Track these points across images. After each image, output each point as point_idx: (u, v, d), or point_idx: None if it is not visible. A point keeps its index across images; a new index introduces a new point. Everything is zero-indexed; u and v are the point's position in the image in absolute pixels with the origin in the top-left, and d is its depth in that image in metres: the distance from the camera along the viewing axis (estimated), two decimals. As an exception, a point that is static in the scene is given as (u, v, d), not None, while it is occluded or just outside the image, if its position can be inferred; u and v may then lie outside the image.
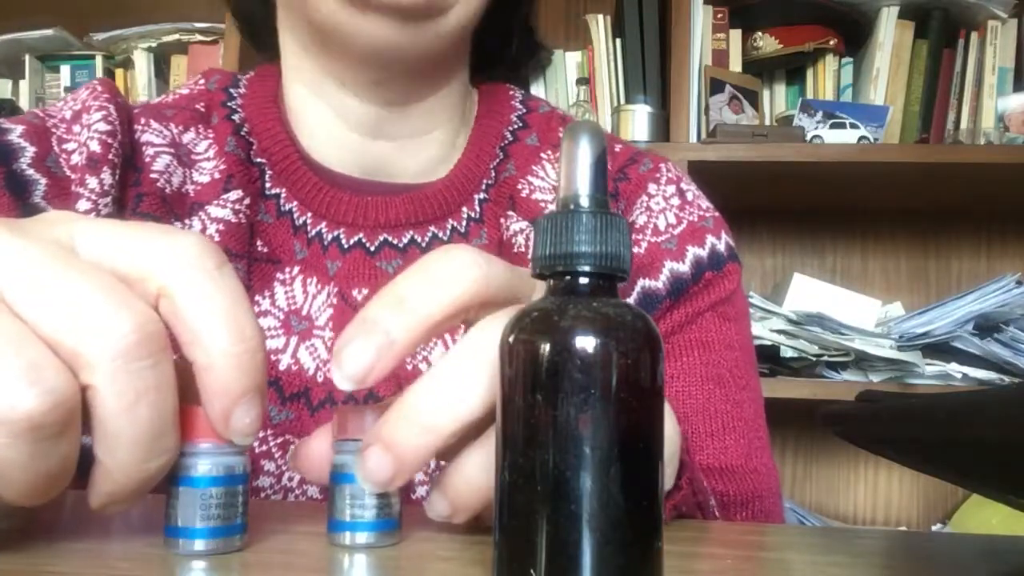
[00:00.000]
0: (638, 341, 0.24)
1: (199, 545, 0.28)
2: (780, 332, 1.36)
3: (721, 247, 0.59)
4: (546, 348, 0.23)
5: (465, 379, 0.29)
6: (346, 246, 0.55)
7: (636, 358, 0.24)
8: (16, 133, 0.52)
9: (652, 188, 0.60)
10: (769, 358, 1.37)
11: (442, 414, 0.28)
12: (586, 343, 0.23)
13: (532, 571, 0.23)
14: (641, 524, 0.23)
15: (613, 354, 0.23)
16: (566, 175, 0.25)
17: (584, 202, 0.25)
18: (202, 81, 0.61)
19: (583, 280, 0.25)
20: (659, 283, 0.56)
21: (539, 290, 0.31)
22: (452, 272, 0.30)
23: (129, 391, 0.25)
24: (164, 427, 0.26)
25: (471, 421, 0.29)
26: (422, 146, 0.59)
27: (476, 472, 0.29)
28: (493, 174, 0.59)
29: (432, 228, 0.57)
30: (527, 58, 0.69)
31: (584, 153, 0.25)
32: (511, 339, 0.24)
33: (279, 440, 0.52)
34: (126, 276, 0.27)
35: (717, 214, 0.61)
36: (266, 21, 0.61)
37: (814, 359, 1.36)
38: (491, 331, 0.29)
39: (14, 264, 0.26)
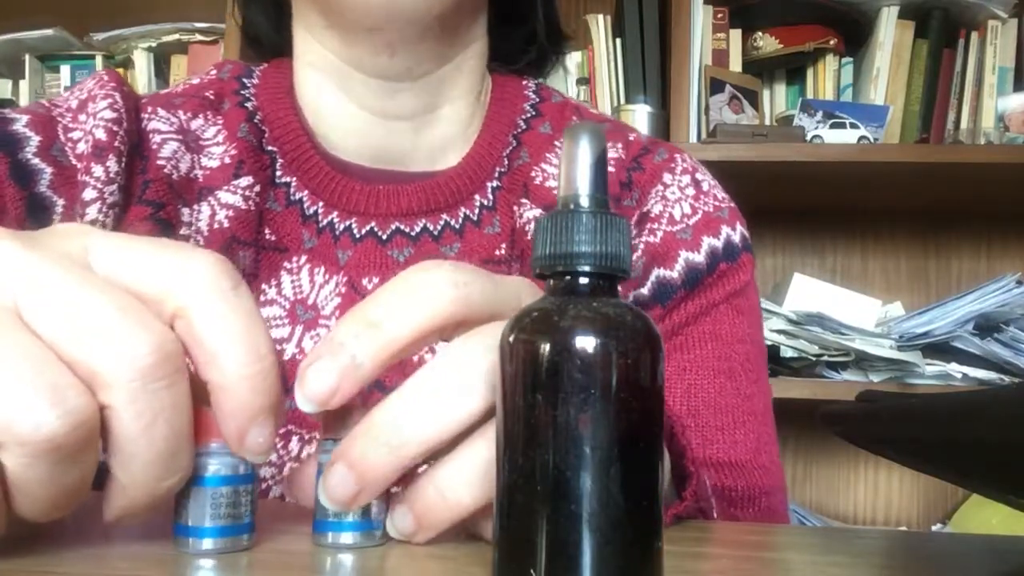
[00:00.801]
0: (638, 341, 0.24)
1: (208, 544, 0.28)
2: (780, 332, 1.36)
3: (736, 238, 0.59)
4: (546, 348, 0.23)
5: (437, 398, 0.28)
6: (358, 235, 0.55)
7: (636, 358, 0.24)
8: (21, 123, 0.52)
9: (667, 178, 0.59)
10: (769, 358, 1.36)
11: (410, 434, 0.28)
12: (586, 343, 0.23)
13: (532, 571, 0.23)
14: (641, 524, 0.23)
15: (613, 354, 0.23)
16: (566, 175, 0.25)
17: (584, 202, 0.25)
18: (213, 71, 0.61)
19: (583, 280, 0.25)
20: (674, 273, 0.56)
21: (527, 297, 0.31)
22: (426, 292, 0.29)
23: (147, 412, 0.25)
24: (180, 445, 0.27)
25: (441, 441, 0.28)
26: (434, 124, 0.58)
27: (450, 485, 0.29)
28: (506, 162, 0.59)
29: (444, 216, 0.57)
30: (552, 51, 0.68)
31: (584, 153, 0.25)
32: (511, 339, 0.24)
33: (282, 430, 0.52)
34: (142, 294, 0.27)
35: (732, 205, 0.61)
36: (271, 29, 0.62)
37: (814, 359, 1.36)
38: (467, 349, 0.29)
39: (31, 280, 0.25)
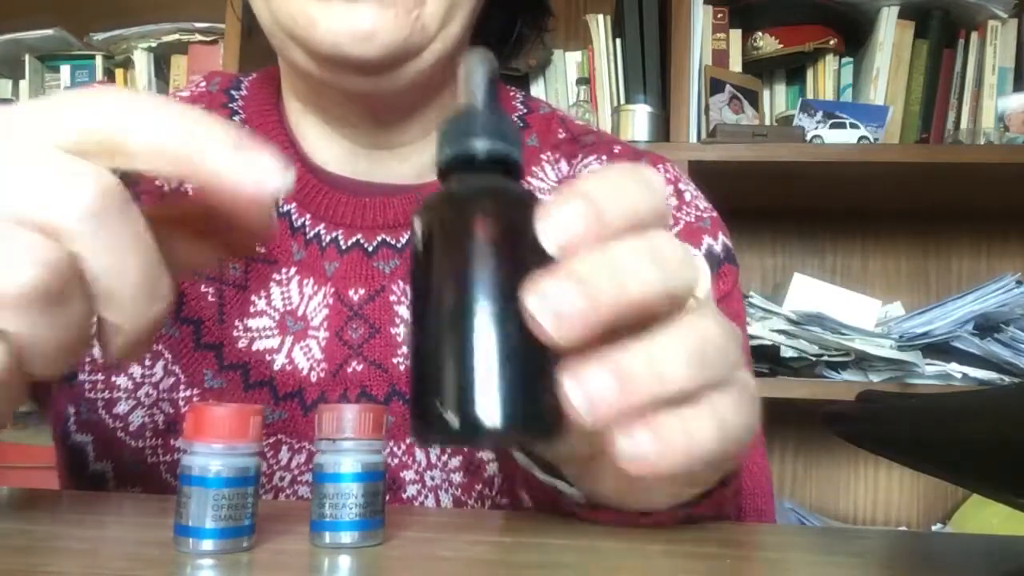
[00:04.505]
0: (510, 203, 0.27)
1: (208, 545, 0.28)
2: (780, 332, 1.36)
3: (718, 248, 0.59)
4: (433, 214, 0.28)
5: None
6: (344, 247, 0.55)
7: (509, 217, 0.27)
8: None
9: None
10: (769, 358, 1.37)
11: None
12: (465, 206, 0.27)
13: (437, 401, 0.25)
14: (530, 349, 0.25)
15: (483, 215, 0.27)
16: (464, 91, 0.30)
17: (471, 108, 0.29)
18: (203, 83, 0.61)
19: (469, 165, 0.29)
20: None
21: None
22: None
23: (111, 247, 0.27)
24: (154, 272, 0.28)
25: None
26: (421, 150, 0.58)
27: (660, 356, 0.27)
28: None
29: None
30: (535, 29, 0.67)
31: (478, 73, 0.29)
32: (413, 218, 0.28)
33: (271, 440, 0.52)
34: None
35: (715, 215, 0.61)
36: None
37: (814, 359, 1.36)
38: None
39: None
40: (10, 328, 0.26)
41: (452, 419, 0.25)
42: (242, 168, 0.28)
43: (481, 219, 0.27)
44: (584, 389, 0.25)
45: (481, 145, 0.28)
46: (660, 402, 0.27)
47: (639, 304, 0.26)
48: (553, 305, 0.25)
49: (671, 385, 0.27)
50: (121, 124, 0.28)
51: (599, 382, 0.25)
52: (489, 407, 0.25)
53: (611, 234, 0.26)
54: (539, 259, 0.26)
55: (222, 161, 0.28)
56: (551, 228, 0.26)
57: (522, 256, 0.26)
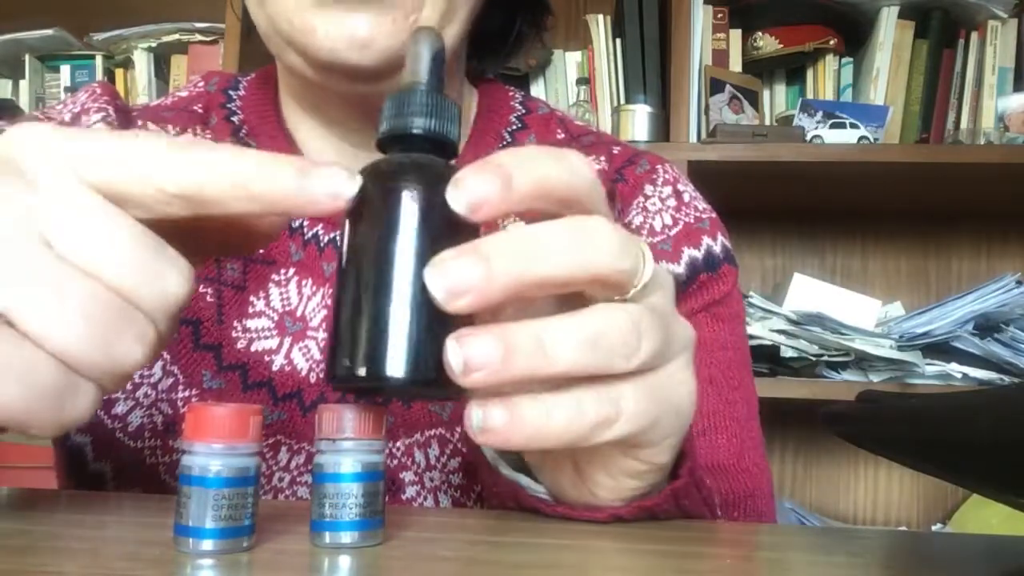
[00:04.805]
0: (429, 179, 0.29)
1: (208, 545, 0.28)
2: (780, 332, 1.36)
3: (717, 248, 0.59)
4: (363, 189, 0.29)
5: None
6: None
7: (425, 192, 0.28)
8: None
9: (649, 189, 0.59)
10: (769, 358, 1.37)
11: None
12: (382, 180, 0.29)
13: (345, 350, 0.28)
14: (429, 312, 0.27)
15: (405, 188, 0.28)
16: (408, 67, 0.31)
17: (413, 86, 0.30)
18: (201, 83, 0.61)
19: (402, 141, 0.31)
20: None
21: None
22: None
23: (177, 323, 0.31)
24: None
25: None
26: None
27: (551, 335, 0.28)
28: None
29: None
30: (533, 34, 0.67)
31: (424, 49, 0.31)
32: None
33: (270, 441, 0.52)
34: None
35: (714, 215, 0.61)
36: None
37: (814, 359, 1.36)
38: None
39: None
40: (107, 387, 0.29)
41: (357, 367, 0.28)
42: (314, 188, 0.29)
43: (396, 191, 0.28)
44: (464, 351, 0.27)
45: (414, 123, 0.30)
46: (538, 379, 0.28)
47: (547, 282, 0.28)
48: (449, 278, 0.27)
49: (553, 365, 0.28)
50: (195, 176, 0.29)
51: (478, 347, 0.27)
52: (389, 358, 0.28)
53: (520, 200, 0.28)
54: (455, 231, 0.28)
55: (295, 189, 0.29)
56: (458, 191, 0.28)
57: (438, 228, 0.28)
